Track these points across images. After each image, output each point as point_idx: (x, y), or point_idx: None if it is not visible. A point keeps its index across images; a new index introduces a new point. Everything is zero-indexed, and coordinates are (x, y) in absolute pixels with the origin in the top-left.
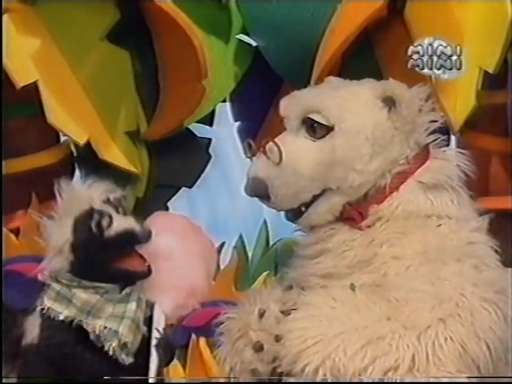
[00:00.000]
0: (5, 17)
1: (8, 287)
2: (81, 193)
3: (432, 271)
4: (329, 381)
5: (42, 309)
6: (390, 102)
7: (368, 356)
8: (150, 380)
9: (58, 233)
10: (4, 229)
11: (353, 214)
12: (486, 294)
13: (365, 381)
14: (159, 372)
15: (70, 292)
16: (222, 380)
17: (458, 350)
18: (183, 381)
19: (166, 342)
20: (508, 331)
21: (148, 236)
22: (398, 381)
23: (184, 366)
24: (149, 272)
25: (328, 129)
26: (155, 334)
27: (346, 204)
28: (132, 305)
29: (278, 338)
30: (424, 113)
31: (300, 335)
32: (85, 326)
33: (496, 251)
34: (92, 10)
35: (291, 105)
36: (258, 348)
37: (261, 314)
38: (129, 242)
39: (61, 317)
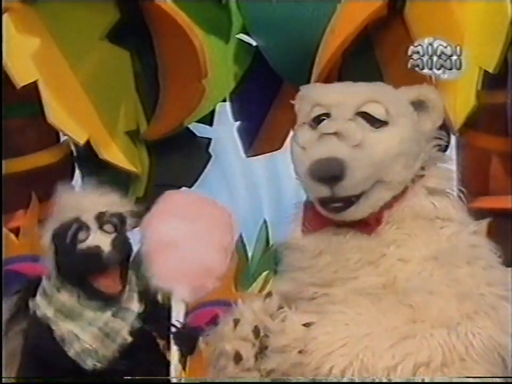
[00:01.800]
0: (5, 16)
1: (8, 287)
2: (75, 202)
3: (446, 274)
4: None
5: (32, 302)
6: (419, 107)
7: (399, 354)
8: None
9: (45, 237)
10: (4, 229)
11: (371, 219)
12: (501, 292)
13: (384, 381)
14: (180, 365)
15: (53, 291)
16: (221, 380)
17: (486, 344)
18: (183, 380)
19: (184, 334)
20: None
21: (115, 258)
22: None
23: (184, 366)
24: (119, 294)
25: (384, 123)
26: (173, 327)
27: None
28: (105, 315)
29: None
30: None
31: (326, 340)
32: (52, 326)
33: (495, 253)
34: (92, 10)
35: (339, 95)
36: (238, 358)
37: (236, 323)
38: (95, 259)
39: (38, 313)
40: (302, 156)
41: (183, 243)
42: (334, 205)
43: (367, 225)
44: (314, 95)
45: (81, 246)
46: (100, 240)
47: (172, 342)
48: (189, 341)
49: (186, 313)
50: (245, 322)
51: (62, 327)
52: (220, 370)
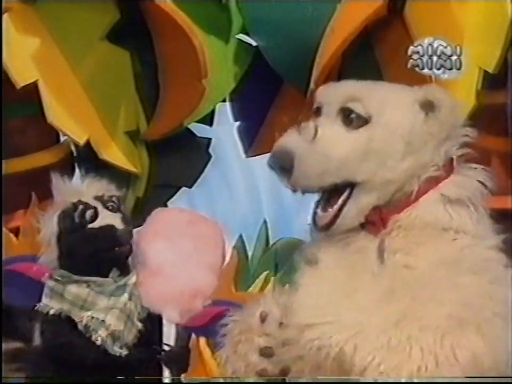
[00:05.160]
0: (5, 17)
1: (8, 287)
2: (72, 187)
3: (450, 278)
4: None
5: (39, 307)
6: (428, 107)
7: (383, 348)
8: (166, 380)
9: (47, 226)
10: (4, 229)
11: (376, 220)
12: (500, 310)
13: (370, 381)
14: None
15: (63, 287)
16: (222, 380)
17: (469, 358)
18: (183, 380)
19: (176, 355)
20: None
21: (128, 235)
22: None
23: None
24: (130, 251)
25: (364, 121)
26: (164, 349)
27: (373, 205)
28: (124, 297)
29: (285, 344)
30: (459, 125)
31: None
32: (73, 317)
33: (509, 271)
34: (92, 10)
35: (330, 92)
36: (268, 354)
37: (263, 319)
38: (110, 237)
39: (52, 311)
40: None
41: (170, 266)
42: (314, 226)
43: (372, 224)
44: (317, 92)
45: (93, 225)
46: (110, 219)
47: (163, 363)
48: (179, 361)
49: (177, 335)
50: (273, 319)
51: (85, 316)
52: (240, 355)
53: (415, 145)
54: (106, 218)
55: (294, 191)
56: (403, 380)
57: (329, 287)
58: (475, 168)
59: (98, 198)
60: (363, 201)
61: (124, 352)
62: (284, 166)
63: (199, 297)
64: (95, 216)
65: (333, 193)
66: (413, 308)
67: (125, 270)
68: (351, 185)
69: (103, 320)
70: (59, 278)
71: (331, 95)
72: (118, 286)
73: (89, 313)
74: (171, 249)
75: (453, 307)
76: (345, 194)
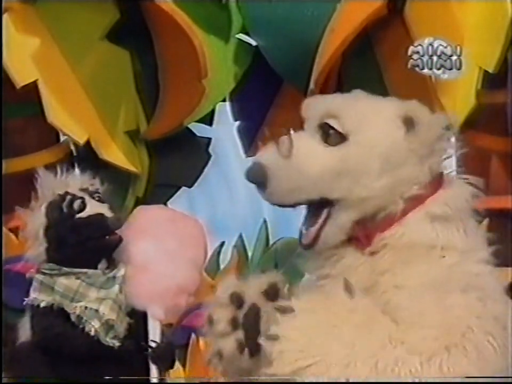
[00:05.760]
0: (5, 16)
1: (8, 287)
2: (57, 180)
3: (438, 300)
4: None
5: (29, 301)
6: (409, 123)
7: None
8: (153, 380)
9: (34, 219)
10: (4, 229)
11: (361, 236)
12: (491, 329)
13: (369, 381)
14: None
15: (52, 279)
16: (222, 380)
17: (457, 381)
18: (183, 380)
19: (162, 351)
20: (507, 367)
21: (119, 223)
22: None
23: (184, 366)
24: (120, 240)
25: (342, 138)
26: (151, 345)
27: (354, 222)
28: (115, 288)
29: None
30: (443, 140)
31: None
32: (66, 308)
33: (499, 283)
34: (91, 10)
35: (312, 107)
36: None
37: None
38: (100, 226)
39: (43, 304)
40: None
41: (154, 264)
42: (301, 245)
43: (357, 240)
44: (302, 106)
45: (82, 215)
46: (99, 208)
47: (149, 360)
48: (165, 358)
49: (162, 332)
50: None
51: (78, 306)
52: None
53: (394, 162)
54: (95, 208)
55: (272, 204)
56: (402, 380)
57: (308, 331)
58: (465, 179)
59: (84, 190)
60: (342, 218)
61: (116, 343)
62: (258, 181)
63: (183, 294)
64: (83, 206)
65: (315, 211)
66: (398, 332)
67: (112, 263)
68: (329, 204)
69: (96, 310)
70: (48, 271)
71: (313, 109)
72: (108, 278)
73: (82, 303)
74: (155, 247)
75: (439, 330)
76: (325, 212)
